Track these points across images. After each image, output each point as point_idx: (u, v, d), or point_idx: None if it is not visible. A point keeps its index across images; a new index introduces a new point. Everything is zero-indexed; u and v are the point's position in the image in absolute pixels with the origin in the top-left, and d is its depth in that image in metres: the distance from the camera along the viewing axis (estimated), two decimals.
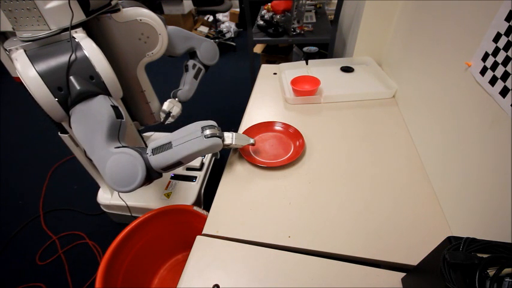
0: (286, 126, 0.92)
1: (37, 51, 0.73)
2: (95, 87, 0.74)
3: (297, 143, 0.86)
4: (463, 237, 0.41)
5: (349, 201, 0.70)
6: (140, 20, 0.94)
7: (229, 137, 0.77)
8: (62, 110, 0.73)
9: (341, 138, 0.88)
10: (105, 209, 1.39)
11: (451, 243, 0.41)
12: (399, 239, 0.61)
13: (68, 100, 0.72)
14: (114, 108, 0.74)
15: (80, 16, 0.78)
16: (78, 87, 0.70)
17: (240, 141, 0.80)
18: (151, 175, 0.69)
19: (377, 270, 0.57)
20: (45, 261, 1.37)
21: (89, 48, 0.74)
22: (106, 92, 0.77)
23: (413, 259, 0.54)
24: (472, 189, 0.57)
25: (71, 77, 0.71)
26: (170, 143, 0.69)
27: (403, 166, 0.78)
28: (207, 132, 0.70)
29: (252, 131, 0.93)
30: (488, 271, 0.36)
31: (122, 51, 1.00)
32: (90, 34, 0.87)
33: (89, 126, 0.71)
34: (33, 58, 0.71)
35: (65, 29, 0.76)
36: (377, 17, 1.10)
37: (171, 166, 0.70)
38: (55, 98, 0.70)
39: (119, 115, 0.74)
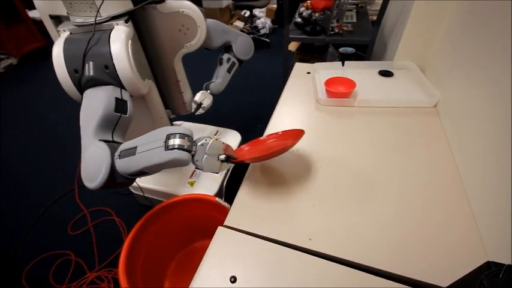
0: (276, 134, 0.82)
1: (78, 35, 0.77)
2: (108, 76, 0.74)
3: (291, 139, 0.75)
4: (504, 264, 0.37)
5: (376, 210, 0.67)
6: (182, 11, 0.97)
7: (200, 156, 0.62)
8: (76, 91, 0.76)
9: (373, 145, 0.85)
10: (132, 190, 1.46)
11: (491, 268, 0.38)
12: (428, 256, 0.58)
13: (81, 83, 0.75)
14: (119, 101, 0.73)
15: (128, 5, 0.82)
16: (88, 73, 0.72)
17: (209, 163, 0.64)
18: (116, 179, 0.63)
19: (400, 286, 0.54)
20: (76, 231, 1.48)
21: (115, 39, 0.75)
22: (119, 84, 0.76)
23: (441, 280, 0.51)
24: None
25: (88, 63, 0.73)
26: (136, 148, 0.61)
27: (438, 181, 0.73)
28: (171, 142, 0.58)
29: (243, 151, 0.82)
30: None
31: (162, 41, 1.04)
32: (135, 23, 0.91)
33: (88, 112, 0.71)
34: (69, 40, 0.76)
35: (113, 17, 0.80)
36: (426, 19, 1.03)
37: (136, 174, 0.63)
38: (71, 78, 0.74)
39: (120, 109, 0.72)
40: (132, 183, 0.69)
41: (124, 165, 0.61)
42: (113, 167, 0.61)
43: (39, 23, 3.28)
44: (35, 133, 2.25)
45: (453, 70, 0.90)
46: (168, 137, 0.59)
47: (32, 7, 3.23)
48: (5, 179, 1.85)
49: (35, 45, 3.37)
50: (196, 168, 0.64)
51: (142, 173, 0.62)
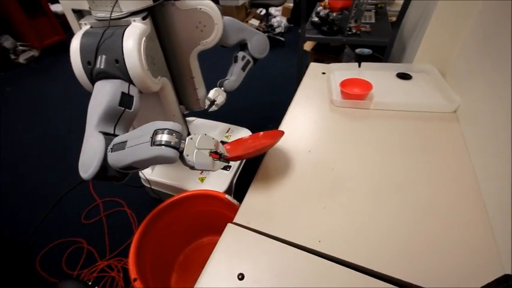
0: (257, 134, 0.85)
1: (97, 29, 0.79)
2: (118, 71, 0.75)
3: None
4: None
5: (387, 215, 0.66)
6: (200, 8, 0.97)
7: (190, 150, 0.59)
8: (88, 82, 0.79)
9: (388, 149, 0.83)
10: (144, 183, 1.49)
11: (508, 282, 0.36)
12: (441, 265, 0.56)
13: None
14: (125, 95, 0.74)
15: (148, 2, 0.84)
16: (99, 66, 0.74)
17: (200, 158, 0.60)
18: (108, 172, 0.63)
19: None
20: (89, 220, 1.52)
21: (129, 35, 0.76)
22: (128, 79, 0.76)
23: None
24: None
25: (101, 56, 0.74)
26: (126, 142, 0.60)
27: (455, 189, 0.71)
28: (158, 138, 0.56)
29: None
30: None
31: (179, 37, 1.05)
32: (154, 20, 0.92)
33: (94, 104, 0.72)
34: (87, 33, 0.78)
35: (133, 13, 0.81)
36: (449, 20, 0.99)
37: (127, 168, 0.62)
38: (84, 70, 0.76)
39: (125, 104, 0.73)
40: (125, 177, 0.68)
41: (115, 158, 0.61)
42: (105, 160, 0.62)
43: (60, 17, 3.38)
44: (54, 123, 2.32)
45: (475, 74, 0.87)
46: (156, 132, 0.56)
47: (54, 1, 3.33)
48: (24, 166, 1.92)
49: (56, 38, 3.47)
50: (186, 165, 0.60)
51: (132, 167, 0.62)
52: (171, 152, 0.55)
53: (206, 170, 0.63)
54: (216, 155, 0.64)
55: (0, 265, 1.36)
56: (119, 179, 0.67)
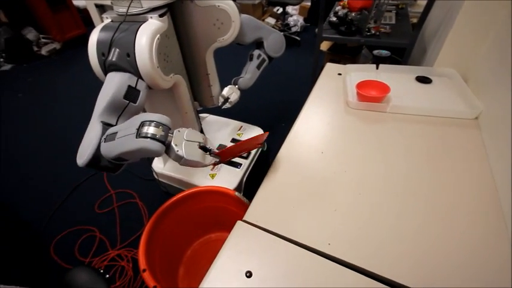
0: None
1: (116, 23, 0.81)
2: (128, 65, 0.76)
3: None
4: None
5: (401, 221, 0.64)
6: (218, 6, 0.98)
7: (179, 141, 0.58)
8: (102, 72, 0.81)
9: (404, 153, 0.81)
10: (156, 176, 1.52)
11: None
12: (453, 275, 0.54)
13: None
14: (131, 89, 0.75)
15: None
16: (111, 58, 0.76)
17: (190, 150, 0.60)
18: (101, 162, 0.64)
19: None
20: (102, 210, 1.57)
21: (143, 32, 0.77)
22: (137, 73, 0.77)
23: None
24: None
25: (114, 48, 0.76)
26: (116, 133, 0.61)
27: (473, 199, 0.68)
28: (144, 130, 0.56)
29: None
30: None
31: (197, 34, 1.06)
32: (172, 16, 0.93)
33: (102, 94, 0.74)
34: (106, 27, 0.80)
35: (152, 10, 0.83)
36: (474, 22, 0.96)
37: (117, 159, 0.63)
38: (98, 60, 0.79)
39: (130, 97, 0.74)
40: (119, 169, 0.68)
41: (107, 149, 0.62)
42: (98, 150, 0.63)
43: (82, 11, 3.47)
44: (73, 113, 2.39)
45: (500, 80, 0.83)
46: (143, 124, 0.56)
47: None
48: (44, 154, 2.00)
49: (77, 32, 3.57)
50: (174, 158, 0.59)
51: (122, 159, 0.62)
52: (155, 145, 0.55)
53: (195, 165, 0.61)
54: (205, 151, 0.64)
55: (16, 250, 1.42)
56: (112, 170, 0.68)
